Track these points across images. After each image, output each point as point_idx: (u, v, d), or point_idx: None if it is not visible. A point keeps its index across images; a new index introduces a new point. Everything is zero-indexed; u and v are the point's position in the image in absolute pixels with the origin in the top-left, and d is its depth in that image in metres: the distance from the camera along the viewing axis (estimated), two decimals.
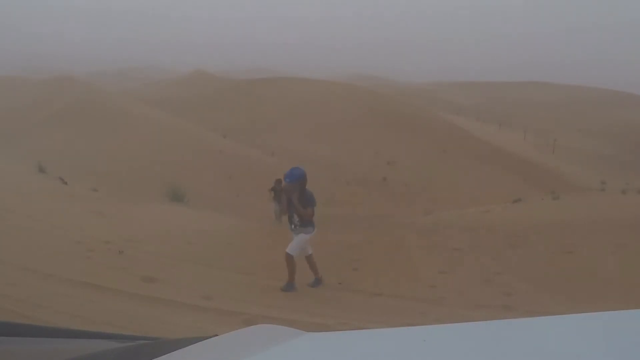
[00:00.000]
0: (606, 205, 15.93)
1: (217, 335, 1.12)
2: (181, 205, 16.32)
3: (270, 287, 6.42)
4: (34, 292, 4.94)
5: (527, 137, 72.13)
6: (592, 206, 15.68)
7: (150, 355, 0.92)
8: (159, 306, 5.10)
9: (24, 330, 1.26)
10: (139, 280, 5.97)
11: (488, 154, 54.43)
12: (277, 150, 43.67)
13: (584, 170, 59.96)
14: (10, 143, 29.21)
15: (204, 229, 10.15)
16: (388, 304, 4.98)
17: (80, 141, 32.64)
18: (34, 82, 51.80)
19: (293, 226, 6.41)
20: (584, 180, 51.23)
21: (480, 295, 6.33)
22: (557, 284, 7.03)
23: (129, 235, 8.58)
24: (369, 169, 42.69)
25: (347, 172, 41.21)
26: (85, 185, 18.12)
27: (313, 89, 64.37)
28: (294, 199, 6.20)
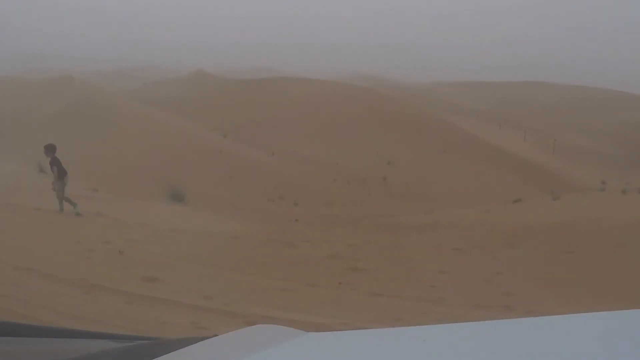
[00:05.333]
0: (606, 205, 15.91)
1: (217, 335, 1.12)
2: (181, 205, 16.31)
3: (270, 287, 6.42)
4: (34, 292, 4.94)
5: (527, 137, 72.13)
6: (592, 206, 15.66)
7: (150, 355, 0.92)
8: (159, 306, 5.10)
9: (24, 330, 1.26)
10: (139, 280, 5.96)
11: (488, 154, 54.33)
12: (278, 149, 43.63)
13: (584, 170, 59.84)
14: (11, 143, 29.20)
15: (204, 229, 10.16)
16: (388, 304, 4.98)
17: (79, 141, 32.59)
18: (34, 82, 51.73)
19: None
20: (584, 180, 51.13)
21: (480, 295, 6.33)
22: (557, 284, 7.03)
23: (129, 235, 8.58)
24: (369, 169, 42.61)
25: (348, 172, 41.16)
26: (86, 185, 18.10)
27: (313, 89, 64.23)
28: None
